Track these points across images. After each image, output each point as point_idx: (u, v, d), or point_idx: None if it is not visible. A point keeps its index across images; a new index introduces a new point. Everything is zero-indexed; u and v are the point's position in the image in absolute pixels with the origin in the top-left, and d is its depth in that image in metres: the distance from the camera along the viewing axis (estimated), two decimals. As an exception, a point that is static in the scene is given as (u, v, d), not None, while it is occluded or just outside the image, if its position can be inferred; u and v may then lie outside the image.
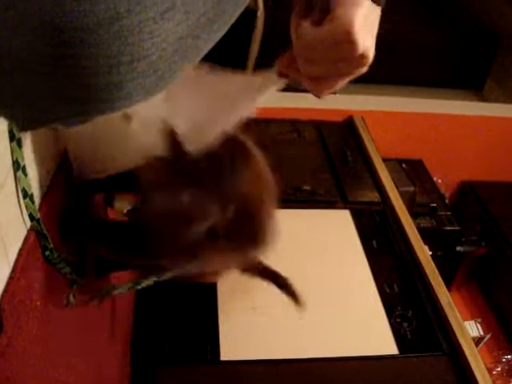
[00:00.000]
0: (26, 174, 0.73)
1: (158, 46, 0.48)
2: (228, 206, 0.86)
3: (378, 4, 0.62)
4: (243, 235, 0.94)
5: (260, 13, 1.30)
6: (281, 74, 0.71)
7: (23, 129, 0.55)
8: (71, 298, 0.92)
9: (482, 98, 3.34)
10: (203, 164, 0.81)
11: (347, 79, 0.66)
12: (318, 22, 0.62)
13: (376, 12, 0.63)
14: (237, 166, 0.85)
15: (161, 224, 0.85)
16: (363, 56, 0.61)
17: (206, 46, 0.55)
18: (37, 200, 0.79)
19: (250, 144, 0.90)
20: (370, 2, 0.60)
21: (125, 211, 1.05)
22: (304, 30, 0.63)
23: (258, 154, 0.90)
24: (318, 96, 0.70)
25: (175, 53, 0.50)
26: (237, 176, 0.86)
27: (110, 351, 1.33)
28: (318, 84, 0.67)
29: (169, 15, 0.46)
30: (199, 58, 0.55)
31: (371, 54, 0.62)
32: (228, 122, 0.76)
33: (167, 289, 1.77)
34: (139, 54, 0.47)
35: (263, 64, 0.76)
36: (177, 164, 0.81)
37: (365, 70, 0.63)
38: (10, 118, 0.53)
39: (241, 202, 0.88)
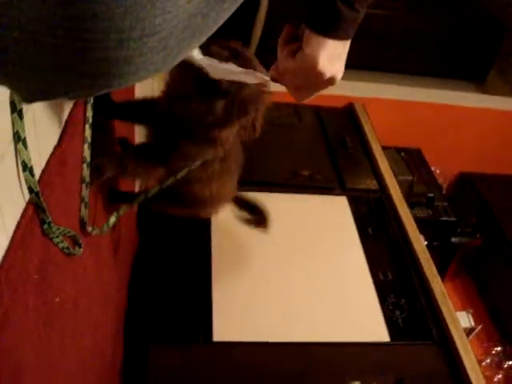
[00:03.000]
0: (26, 147, 0.73)
1: (169, 23, 0.47)
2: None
3: (347, 37, 0.78)
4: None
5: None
6: (272, 79, 0.90)
7: (27, 100, 0.54)
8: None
9: (484, 89, 3.33)
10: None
11: (321, 90, 0.85)
12: (295, 52, 0.81)
13: (344, 45, 0.79)
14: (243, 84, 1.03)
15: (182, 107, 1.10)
16: (331, 79, 0.81)
17: (215, 25, 0.54)
18: (37, 173, 0.78)
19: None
20: (335, 41, 0.77)
21: None
22: (281, 59, 0.84)
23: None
24: (297, 101, 0.91)
25: (185, 30, 0.49)
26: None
27: (105, 326, 1.34)
28: (298, 92, 0.87)
29: None
30: (207, 37, 0.55)
31: (339, 75, 0.82)
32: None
33: (162, 267, 1.78)
34: (150, 29, 0.46)
35: (266, 45, 0.92)
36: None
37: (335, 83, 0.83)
38: (15, 89, 0.53)
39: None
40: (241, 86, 1.04)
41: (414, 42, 3.48)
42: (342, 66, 0.81)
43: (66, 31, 0.44)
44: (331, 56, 0.78)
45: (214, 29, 0.55)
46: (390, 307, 1.75)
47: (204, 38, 0.55)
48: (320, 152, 2.39)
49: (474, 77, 3.50)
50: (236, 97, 1.07)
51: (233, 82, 1.01)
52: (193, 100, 1.08)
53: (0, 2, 0.42)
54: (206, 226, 1.89)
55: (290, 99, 0.94)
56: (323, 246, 1.94)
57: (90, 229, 1.05)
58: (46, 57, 0.47)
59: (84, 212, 1.02)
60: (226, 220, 1.92)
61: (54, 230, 0.80)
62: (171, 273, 1.77)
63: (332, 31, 0.77)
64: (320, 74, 0.79)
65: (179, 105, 1.11)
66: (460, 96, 3.05)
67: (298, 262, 1.86)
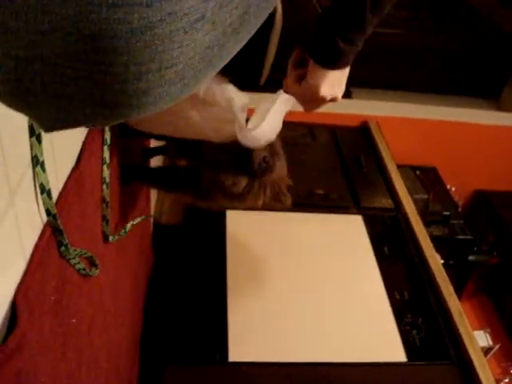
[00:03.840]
0: (44, 170, 0.74)
1: (186, 55, 0.48)
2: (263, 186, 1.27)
3: (347, 66, 0.90)
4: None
5: (278, 14, 1.34)
6: (286, 91, 1.01)
7: (48, 129, 0.55)
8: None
9: (499, 106, 3.32)
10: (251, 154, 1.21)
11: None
12: (301, 78, 0.93)
13: (344, 72, 0.92)
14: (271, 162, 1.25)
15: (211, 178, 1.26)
16: (332, 99, 0.94)
17: (230, 54, 0.56)
18: (54, 195, 0.80)
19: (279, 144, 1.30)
20: (335, 71, 0.89)
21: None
22: (289, 83, 0.97)
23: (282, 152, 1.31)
24: (306, 111, 1.02)
25: (201, 61, 0.50)
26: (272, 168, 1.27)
27: (120, 347, 1.34)
28: (307, 104, 0.99)
29: (198, 26, 0.47)
30: (223, 65, 0.56)
31: (340, 95, 0.94)
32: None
33: (177, 287, 1.78)
34: (168, 62, 0.47)
35: (280, 65, 1.06)
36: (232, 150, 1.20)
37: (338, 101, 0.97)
38: (35, 118, 0.54)
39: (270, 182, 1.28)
40: (270, 169, 1.23)
41: (428, 60, 3.49)
42: (343, 87, 0.95)
43: (87, 64, 0.45)
44: (332, 83, 0.92)
45: (229, 58, 0.56)
46: (407, 327, 1.74)
47: (219, 67, 0.56)
48: (335, 171, 2.39)
49: (489, 94, 3.50)
50: (261, 180, 1.24)
51: (265, 162, 1.22)
52: (222, 170, 1.23)
53: (25, 38, 0.43)
54: (221, 245, 1.89)
55: (304, 118, 1.04)
56: (339, 265, 1.93)
57: (111, 238, 1.11)
58: (67, 88, 0.48)
59: (106, 228, 1.05)
60: (241, 238, 1.93)
61: (70, 251, 0.81)
62: (186, 293, 1.77)
63: (334, 65, 0.89)
64: (322, 98, 0.93)
65: (209, 174, 1.26)
66: (474, 113, 3.04)
67: (313, 281, 1.85)
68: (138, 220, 1.31)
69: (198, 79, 0.52)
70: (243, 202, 1.27)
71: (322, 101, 0.94)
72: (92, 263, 0.94)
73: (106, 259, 1.08)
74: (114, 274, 1.19)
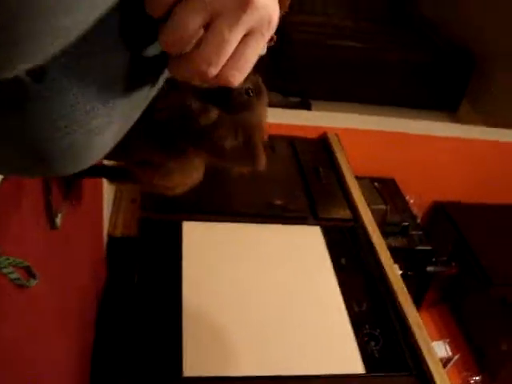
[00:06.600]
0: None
1: None
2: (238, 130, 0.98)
3: None
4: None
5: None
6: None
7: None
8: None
9: (457, 119, 3.37)
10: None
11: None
12: None
13: None
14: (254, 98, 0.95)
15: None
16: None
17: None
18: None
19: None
20: None
21: None
22: None
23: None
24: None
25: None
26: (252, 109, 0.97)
27: (67, 363, 1.29)
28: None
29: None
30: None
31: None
32: None
33: (131, 302, 1.73)
34: None
35: None
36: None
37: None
38: None
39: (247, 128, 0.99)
40: (250, 106, 0.94)
41: (388, 73, 3.53)
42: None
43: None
44: None
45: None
46: (365, 338, 1.72)
47: None
48: (294, 182, 2.37)
49: (447, 107, 3.55)
50: (235, 117, 0.96)
51: (247, 94, 0.92)
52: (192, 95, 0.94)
53: None
54: (176, 256, 1.85)
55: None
56: (296, 276, 1.91)
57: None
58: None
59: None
60: (198, 250, 1.89)
61: (2, 259, 0.76)
62: (140, 306, 1.72)
63: None
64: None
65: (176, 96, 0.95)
66: (432, 126, 3.07)
67: (271, 293, 1.82)
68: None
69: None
70: (208, 138, 0.98)
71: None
72: (30, 273, 0.89)
73: (50, 268, 1.03)
74: (57, 284, 1.14)
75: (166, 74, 0.57)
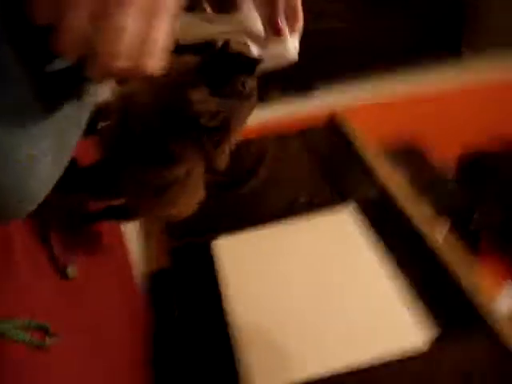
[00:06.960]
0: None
1: None
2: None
3: None
4: None
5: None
6: None
7: None
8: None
9: (462, 66, 3.28)
10: None
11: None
12: None
13: None
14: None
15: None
16: None
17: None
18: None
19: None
20: None
21: None
22: None
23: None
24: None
25: None
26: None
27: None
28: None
29: None
30: None
31: None
32: None
33: (174, 334, 1.70)
34: None
35: None
36: None
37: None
38: None
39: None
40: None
41: (380, 35, 3.44)
42: None
43: None
44: None
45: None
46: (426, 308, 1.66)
47: None
48: (312, 175, 2.33)
49: (449, 51, 3.45)
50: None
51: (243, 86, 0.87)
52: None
53: None
54: (213, 278, 1.82)
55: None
56: (340, 265, 1.86)
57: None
58: None
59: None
60: (232, 264, 1.86)
61: (6, 326, 0.72)
62: (191, 338, 1.69)
63: None
64: None
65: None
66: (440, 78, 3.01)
67: (318, 287, 1.78)
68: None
69: None
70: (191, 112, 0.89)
71: None
72: (46, 332, 0.85)
73: (71, 323, 0.99)
74: (90, 335, 1.11)
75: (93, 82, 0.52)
